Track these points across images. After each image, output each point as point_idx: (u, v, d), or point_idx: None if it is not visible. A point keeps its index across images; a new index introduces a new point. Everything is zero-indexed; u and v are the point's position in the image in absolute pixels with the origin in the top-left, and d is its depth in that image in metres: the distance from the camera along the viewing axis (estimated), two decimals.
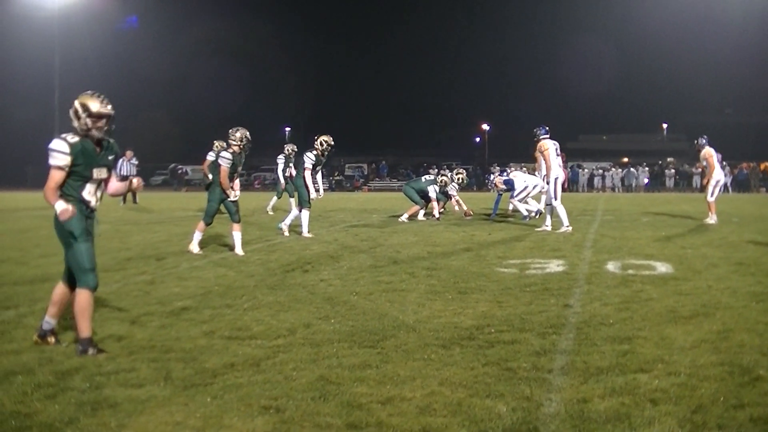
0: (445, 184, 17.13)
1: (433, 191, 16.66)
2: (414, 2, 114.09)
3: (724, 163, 30.55)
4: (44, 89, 51.83)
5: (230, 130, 10.42)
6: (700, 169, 16.60)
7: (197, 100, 75.88)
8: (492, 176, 18.73)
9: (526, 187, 16.11)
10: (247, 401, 3.89)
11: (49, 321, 5.08)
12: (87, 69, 55.96)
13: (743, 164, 44.76)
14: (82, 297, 4.87)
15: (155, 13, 70.77)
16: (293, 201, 18.90)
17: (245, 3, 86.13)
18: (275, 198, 19.59)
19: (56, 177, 4.86)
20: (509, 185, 16.49)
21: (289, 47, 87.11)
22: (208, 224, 10.45)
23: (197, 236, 10.43)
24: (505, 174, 20.11)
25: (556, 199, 13.45)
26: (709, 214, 15.26)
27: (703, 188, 16.35)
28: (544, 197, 14.20)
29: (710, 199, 15.33)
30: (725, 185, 20.48)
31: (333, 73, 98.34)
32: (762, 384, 4.09)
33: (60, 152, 4.84)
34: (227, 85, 75.14)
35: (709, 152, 15.73)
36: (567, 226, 13.23)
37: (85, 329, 4.84)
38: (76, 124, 4.95)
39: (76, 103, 4.96)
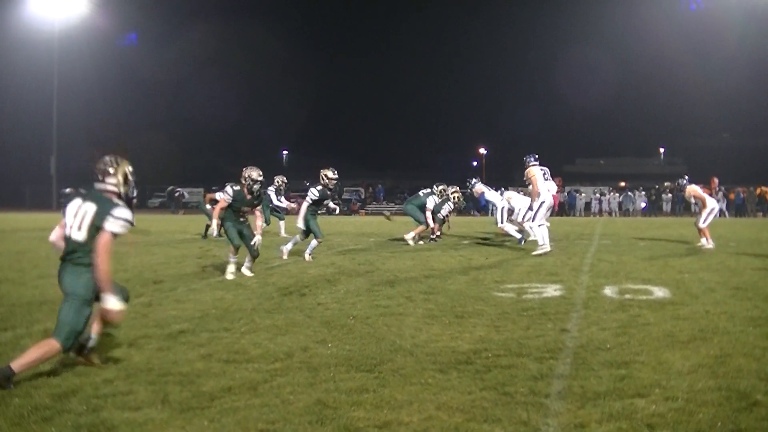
0: (443, 194, 17.31)
1: (432, 201, 16.73)
2: (411, 26, 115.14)
3: (719, 188, 30.57)
4: (43, 110, 52.08)
5: (244, 168, 10.41)
6: (693, 201, 16.68)
7: (196, 122, 76.20)
8: (474, 181, 18.86)
9: (520, 209, 16.35)
10: (245, 425, 3.88)
11: (92, 336, 5.10)
12: (85, 90, 56.31)
13: (741, 189, 44.80)
14: (50, 347, 4.67)
15: (154, 36, 71.32)
16: (282, 224, 19.21)
17: (245, 25, 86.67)
18: (264, 224, 19.74)
19: (108, 243, 4.75)
20: (484, 200, 17.03)
21: (288, 71, 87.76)
22: (237, 247, 10.31)
23: (232, 260, 10.29)
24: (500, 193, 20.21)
25: (533, 220, 14.08)
26: (703, 239, 15.33)
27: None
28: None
29: (702, 225, 15.38)
30: (720, 210, 20.59)
31: (330, 97, 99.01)
32: (759, 409, 4.09)
33: (129, 222, 4.83)
34: (225, 107, 75.53)
35: (692, 189, 16.00)
36: (542, 245, 13.66)
37: (22, 365, 4.57)
38: (123, 190, 5.00)
39: (127, 170, 5.04)
